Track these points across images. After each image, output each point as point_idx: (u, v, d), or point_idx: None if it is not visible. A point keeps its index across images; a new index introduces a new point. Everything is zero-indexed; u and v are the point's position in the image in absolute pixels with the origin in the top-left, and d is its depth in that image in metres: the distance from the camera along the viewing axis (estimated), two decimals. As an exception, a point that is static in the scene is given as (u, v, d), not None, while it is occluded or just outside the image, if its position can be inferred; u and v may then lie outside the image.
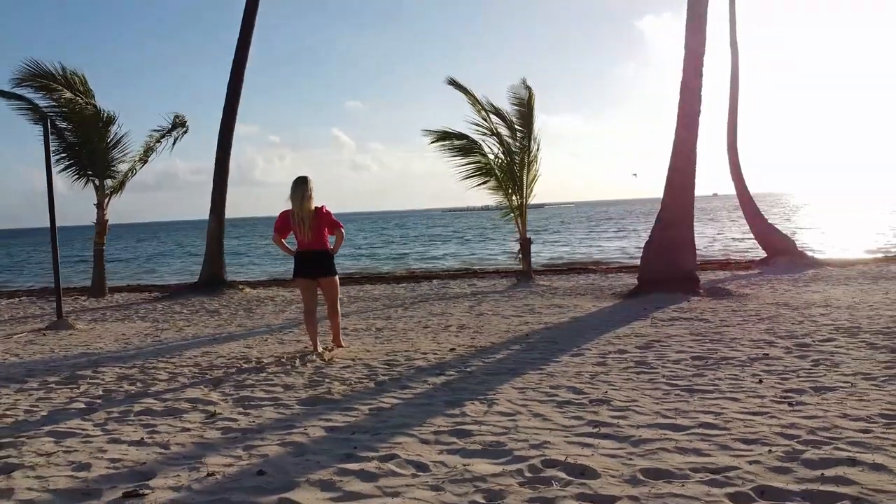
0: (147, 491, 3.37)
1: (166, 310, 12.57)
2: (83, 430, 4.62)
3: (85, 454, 4.07)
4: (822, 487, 3.03)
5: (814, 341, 6.51)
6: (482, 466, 3.51)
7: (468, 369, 6.04)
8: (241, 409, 4.99)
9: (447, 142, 15.94)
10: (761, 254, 18.04)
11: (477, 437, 4.02)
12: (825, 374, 5.17)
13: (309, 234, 7.01)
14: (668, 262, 11.29)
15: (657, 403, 4.59)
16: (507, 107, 15.59)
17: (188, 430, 4.53)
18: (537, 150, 15.71)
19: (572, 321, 8.89)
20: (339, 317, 7.45)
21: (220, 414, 4.87)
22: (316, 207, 7.04)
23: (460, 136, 15.87)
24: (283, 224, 7.15)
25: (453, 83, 15.78)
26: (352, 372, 6.14)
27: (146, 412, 5.02)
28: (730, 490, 3.04)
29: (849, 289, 11.06)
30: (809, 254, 18.15)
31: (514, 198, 15.82)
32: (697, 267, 12.27)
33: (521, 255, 15.87)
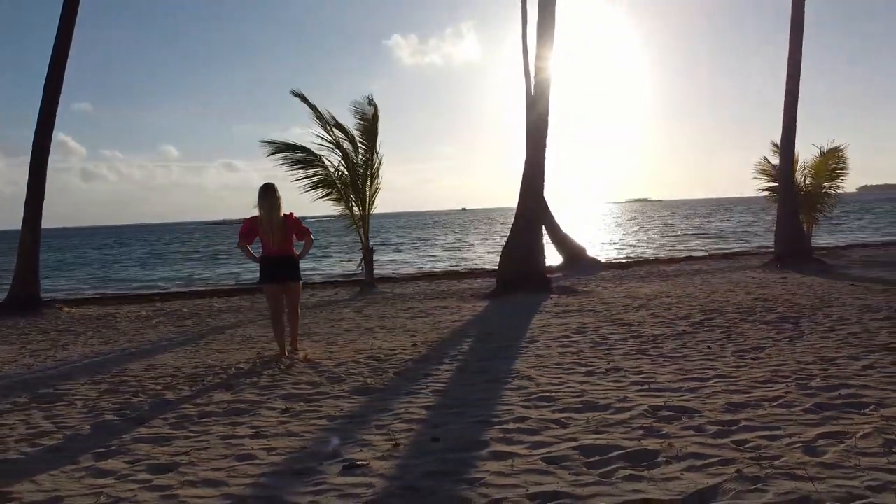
0: (362, 462, 3.74)
1: None
2: (172, 434, 4.61)
3: (221, 449, 4.20)
4: (849, 400, 4.42)
5: (702, 320, 8.26)
6: (610, 416, 4.40)
7: (459, 359, 6.77)
8: (303, 404, 5.25)
9: (286, 154, 16.17)
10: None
11: (565, 401, 4.87)
12: (744, 340, 6.81)
13: (278, 241, 7.20)
14: (524, 265, 12.85)
15: (660, 367, 5.81)
16: (351, 122, 16.24)
17: (285, 422, 4.76)
18: (379, 163, 16.55)
19: (477, 318, 9.91)
20: (300, 321, 7.68)
21: (291, 409, 5.10)
22: (284, 214, 7.26)
23: (301, 148, 16.17)
24: (250, 230, 7.25)
25: (299, 96, 16.06)
26: (352, 369, 6.52)
27: (208, 415, 5.07)
28: (800, 407, 4.32)
29: (662, 284, 13.48)
30: (597, 259, 21.20)
31: (355, 209, 16.46)
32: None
33: (363, 264, 16.52)
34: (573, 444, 3.88)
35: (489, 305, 11.40)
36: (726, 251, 25.37)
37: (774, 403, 4.45)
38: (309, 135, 16.06)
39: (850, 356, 5.75)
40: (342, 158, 16.25)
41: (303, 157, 16.22)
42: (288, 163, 16.09)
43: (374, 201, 16.63)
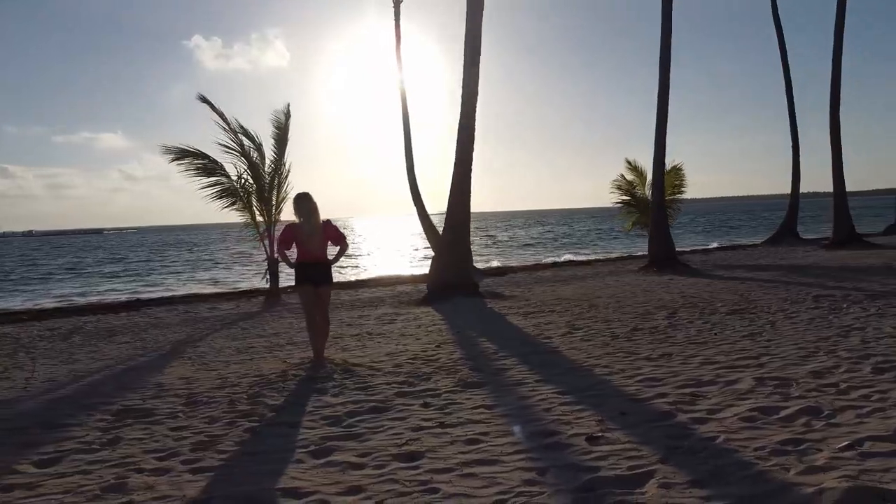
0: (598, 434, 4.26)
1: None
2: (348, 432, 4.79)
3: (432, 439, 4.49)
4: (891, 364, 5.66)
5: (667, 315, 9.46)
6: (732, 388, 5.26)
7: (504, 355, 7.30)
8: (428, 400, 5.53)
9: (186, 161, 15.59)
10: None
11: (668, 380, 5.68)
12: (735, 328, 8.04)
13: (317, 247, 7.34)
14: (455, 272, 13.55)
15: (702, 351, 6.80)
16: (267, 130, 16.11)
17: (449, 412, 5.09)
18: (287, 171, 16.40)
19: (447, 321, 10.40)
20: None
21: (431, 404, 5.39)
22: (322, 221, 7.41)
23: (201, 155, 15.66)
24: (290, 237, 7.32)
25: (206, 102, 15.52)
26: (420, 368, 6.80)
27: (354, 413, 5.21)
28: (864, 371, 5.50)
29: (572, 287, 14.76)
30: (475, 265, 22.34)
31: (260, 218, 16.16)
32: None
33: (268, 275, 16.20)
34: (739, 409, 4.69)
35: (440, 309, 11.88)
36: (580, 258, 27.70)
37: (841, 370, 5.60)
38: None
39: (838, 335, 7.17)
40: (248, 167, 15.94)
41: (204, 165, 15.72)
42: (191, 170, 15.57)
43: (281, 209, 16.42)
